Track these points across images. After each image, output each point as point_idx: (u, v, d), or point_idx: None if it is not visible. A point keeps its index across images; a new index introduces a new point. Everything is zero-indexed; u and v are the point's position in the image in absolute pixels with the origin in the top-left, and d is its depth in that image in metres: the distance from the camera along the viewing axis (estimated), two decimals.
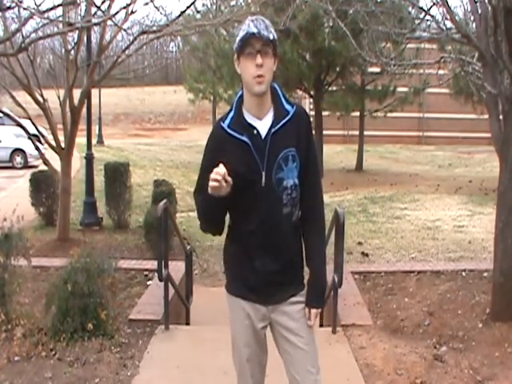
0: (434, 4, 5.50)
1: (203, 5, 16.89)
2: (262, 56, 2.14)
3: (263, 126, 2.24)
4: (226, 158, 2.21)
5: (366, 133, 23.49)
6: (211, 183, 2.08)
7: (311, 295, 2.37)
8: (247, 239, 2.30)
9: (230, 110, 2.30)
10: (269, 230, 2.27)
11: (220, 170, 2.07)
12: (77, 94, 7.94)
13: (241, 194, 2.24)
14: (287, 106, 2.28)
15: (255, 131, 2.23)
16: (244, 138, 2.22)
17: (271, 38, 2.14)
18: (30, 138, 8.38)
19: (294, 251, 2.35)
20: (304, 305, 2.38)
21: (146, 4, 7.16)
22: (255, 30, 2.11)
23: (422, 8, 6.01)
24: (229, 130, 2.24)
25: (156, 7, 7.93)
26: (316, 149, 2.41)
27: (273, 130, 2.23)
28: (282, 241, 2.30)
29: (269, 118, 2.25)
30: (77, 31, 7.54)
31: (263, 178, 2.23)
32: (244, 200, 2.26)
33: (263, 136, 2.23)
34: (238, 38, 2.16)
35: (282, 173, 2.24)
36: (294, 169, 2.26)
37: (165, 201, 4.84)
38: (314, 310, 2.36)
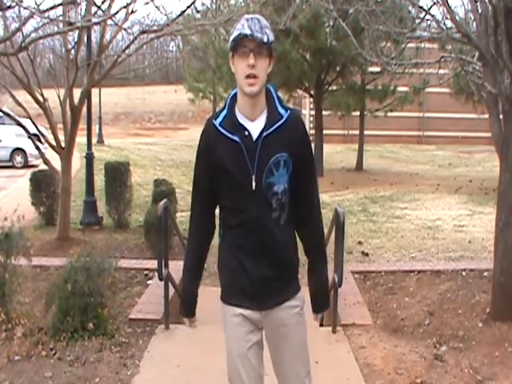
0: (435, 3, 5.50)
1: (203, 4, 16.88)
2: (255, 56, 2.09)
3: (255, 128, 2.19)
4: (217, 157, 2.20)
5: (366, 132, 23.45)
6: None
7: (318, 303, 2.45)
8: (240, 243, 2.26)
9: (223, 109, 2.25)
10: (260, 233, 2.23)
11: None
12: (77, 93, 7.94)
13: (232, 195, 2.23)
14: (281, 110, 2.22)
15: (246, 132, 2.18)
16: (235, 138, 2.18)
17: (265, 40, 2.09)
18: (30, 138, 8.39)
19: (288, 256, 2.32)
20: (298, 309, 2.35)
21: (147, 3, 7.18)
22: (248, 32, 2.07)
23: (422, 7, 6.00)
24: (220, 129, 2.20)
25: (156, 7, 7.91)
26: (313, 154, 2.35)
27: (265, 134, 2.17)
28: (273, 245, 2.26)
29: (261, 121, 2.20)
30: (77, 31, 7.53)
31: (253, 181, 2.19)
32: (235, 202, 2.23)
33: (254, 138, 2.18)
34: (231, 37, 2.12)
35: (272, 178, 2.20)
36: (285, 174, 2.22)
37: (165, 200, 4.84)
38: (320, 315, 2.48)
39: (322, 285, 2.44)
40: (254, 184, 2.19)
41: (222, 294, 2.39)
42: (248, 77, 2.11)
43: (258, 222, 2.22)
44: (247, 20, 2.10)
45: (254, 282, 2.27)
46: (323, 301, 2.47)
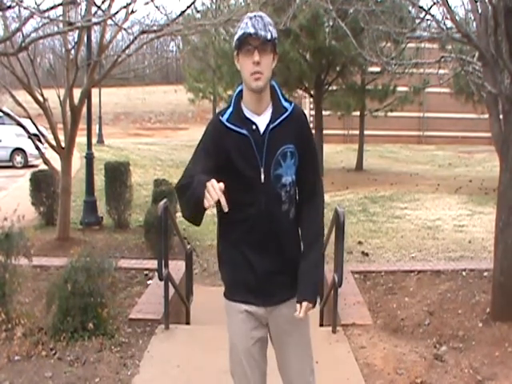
0: (435, 3, 5.50)
1: (203, 4, 16.87)
2: (259, 53, 2.13)
3: (262, 121, 2.24)
4: (224, 152, 2.20)
5: (366, 132, 23.48)
6: (208, 196, 1.92)
7: (302, 287, 2.24)
8: (245, 238, 2.26)
9: (228, 107, 2.28)
10: (268, 227, 2.24)
11: (221, 186, 1.91)
12: (77, 93, 7.94)
13: (240, 189, 2.21)
14: (285, 104, 2.28)
15: (254, 126, 2.22)
16: (244, 131, 2.21)
17: (269, 37, 2.13)
18: (30, 138, 8.39)
19: (294, 251, 2.32)
20: None
21: (147, 3, 7.18)
22: (252, 31, 2.11)
23: (422, 7, 6.01)
24: (228, 124, 2.22)
25: (156, 7, 7.92)
26: (317, 149, 2.40)
27: (271, 126, 2.22)
28: (281, 239, 2.27)
29: (267, 115, 2.25)
30: (77, 31, 7.54)
31: (262, 174, 2.22)
32: (243, 196, 2.23)
33: (261, 132, 2.22)
34: (235, 36, 2.16)
35: (280, 169, 2.24)
36: (292, 165, 2.26)
37: (165, 200, 4.83)
38: (305, 303, 2.21)
39: (307, 268, 2.26)
40: (262, 177, 2.22)
41: (226, 290, 2.39)
42: (253, 74, 2.16)
43: (266, 215, 2.23)
44: (250, 18, 2.15)
45: (259, 276, 2.27)
46: (307, 288, 2.23)
